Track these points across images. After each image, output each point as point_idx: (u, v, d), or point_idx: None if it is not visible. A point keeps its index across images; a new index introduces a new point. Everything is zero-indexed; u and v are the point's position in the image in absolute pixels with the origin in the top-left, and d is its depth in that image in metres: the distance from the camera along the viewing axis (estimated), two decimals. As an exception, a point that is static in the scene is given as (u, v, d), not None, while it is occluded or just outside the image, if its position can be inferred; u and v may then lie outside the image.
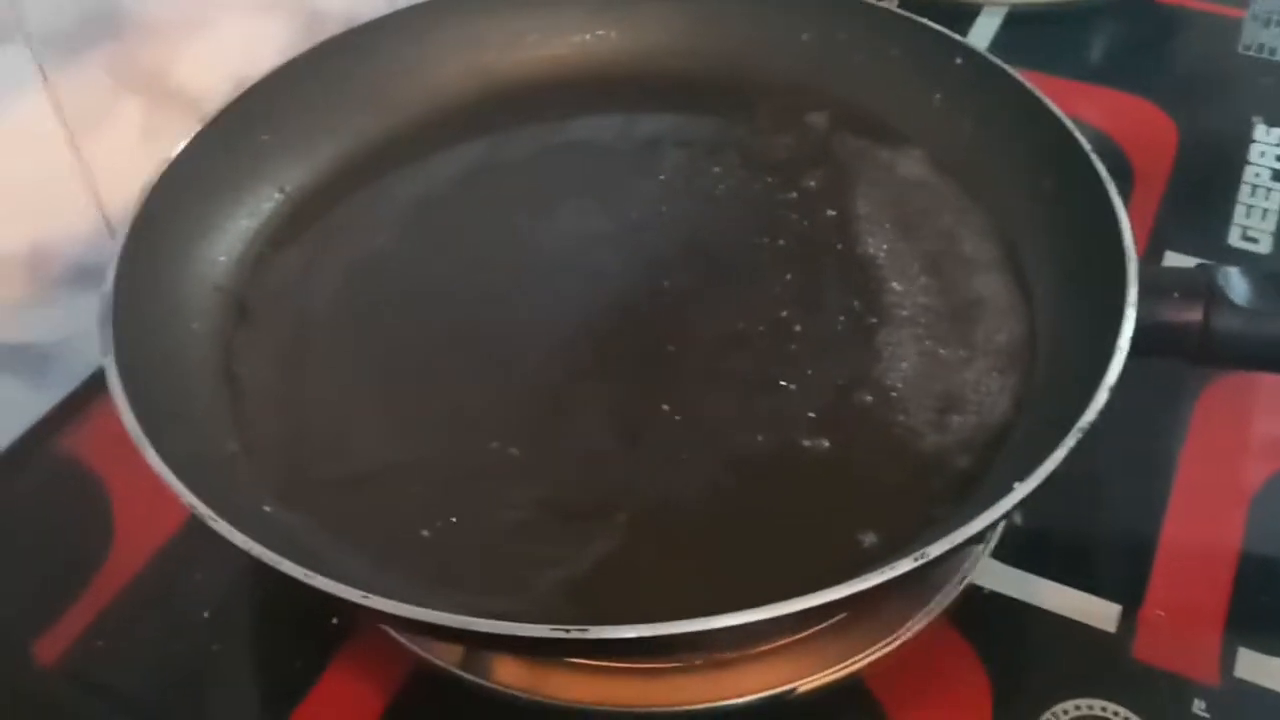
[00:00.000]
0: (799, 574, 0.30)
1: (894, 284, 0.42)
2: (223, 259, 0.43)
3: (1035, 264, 0.42)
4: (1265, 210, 0.52)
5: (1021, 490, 0.31)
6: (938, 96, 0.47)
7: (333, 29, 0.58)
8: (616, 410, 0.40)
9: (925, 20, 0.47)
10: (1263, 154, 0.55)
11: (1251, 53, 0.61)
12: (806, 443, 0.38)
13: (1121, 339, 0.35)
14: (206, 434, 0.38)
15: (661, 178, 0.48)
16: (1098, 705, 0.37)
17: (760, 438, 0.38)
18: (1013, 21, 0.63)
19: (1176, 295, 0.37)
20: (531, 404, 0.40)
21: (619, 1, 0.51)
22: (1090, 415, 0.33)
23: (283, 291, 0.43)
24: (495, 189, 0.48)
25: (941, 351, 0.40)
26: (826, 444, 0.38)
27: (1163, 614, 0.39)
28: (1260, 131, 0.56)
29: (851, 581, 0.29)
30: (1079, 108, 0.56)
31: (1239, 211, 0.52)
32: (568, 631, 0.29)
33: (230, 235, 0.44)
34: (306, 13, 0.58)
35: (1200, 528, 0.41)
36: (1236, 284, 0.37)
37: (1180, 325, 0.37)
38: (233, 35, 0.55)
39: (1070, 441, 0.32)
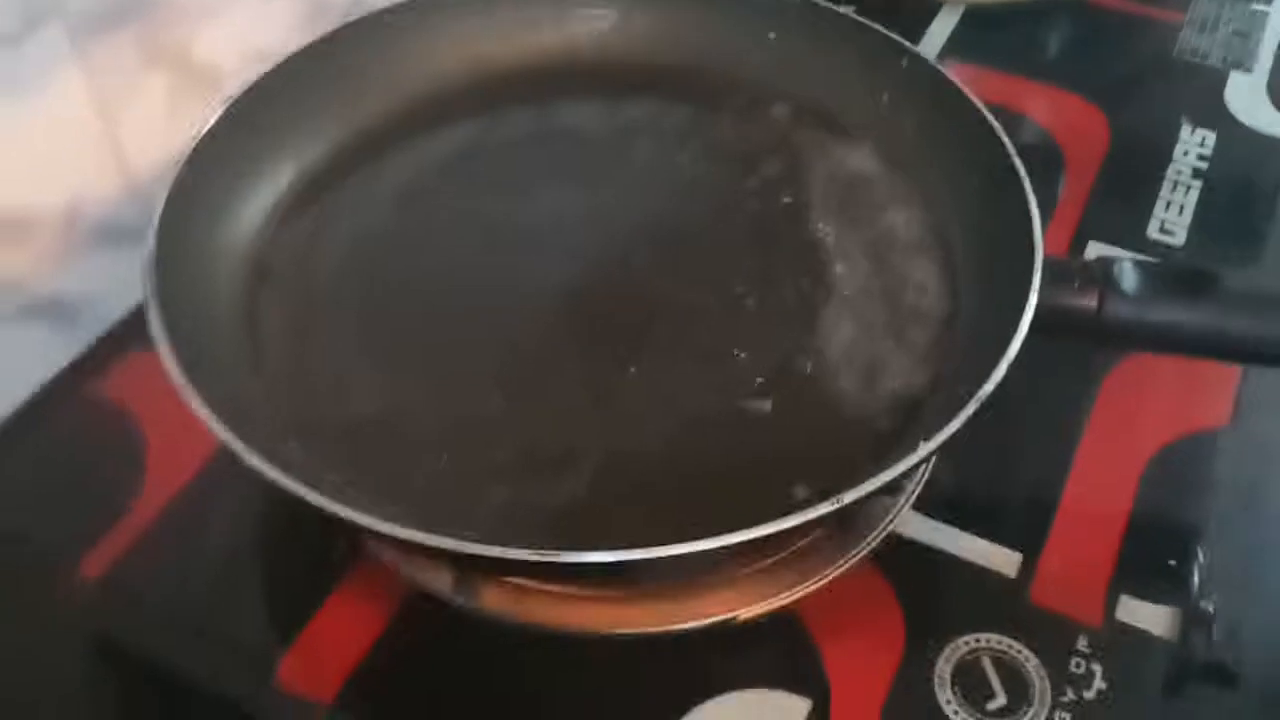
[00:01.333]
0: (738, 518, 0.35)
1: (838, 266, 0.47)
2: (245, 225, 0.48)
3: (962, 252, 0.47)
4: (1183, 206, 0.57)
5: (924, 449, 0.36)
6: (885, 95, 0.52)
7: (337, 11, 0.62)
8: (587, 371, 0.45)
9: (876, 25, 0.52)
10: (1186, 153, 0.60)
11: (1186, 57, 0.66)
12: (752, 405, 0.43)
13: (1023, 321, 0.40)
14: (232, 379, 0.42)
15: (636, 163, 0.53)
16: (995, 639, 0.42)
17: (712, 399, 0.43)
18: (968, 20, 0.67)
19: (1076, 284, 0.42)
20: (514, 363, 0.45)
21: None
22: (989, 386, 0.38)
23: (296, 257, 0.48)
24: (486, 169, 0.52)
25: (874, 327, 0.45)
26: (769, 407, 0.43)
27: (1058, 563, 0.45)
28: (1186, 132, 0.61)
29: (775, 521, 0.34)
30: (1022, 103, 0.62)
31: (1159, 206, 0.57)
32: (541, 554, 0.34)
33: (252, 205, 0.49)
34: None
35: (1097, 490, 0.47)
36: (1129, 276, 0.42)
37: (1077, 310, 0.42)
38: (247, 14, 0.60)
39: (969, 409, 0.37)
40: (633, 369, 0.45)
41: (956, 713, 0.40)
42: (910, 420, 0.42)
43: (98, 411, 0.50)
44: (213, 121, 0.48)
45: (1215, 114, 0.62)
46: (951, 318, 0.45)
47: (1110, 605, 0.43)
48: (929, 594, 0.44)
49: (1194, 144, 0.60)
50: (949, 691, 0.41)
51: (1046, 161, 0.59)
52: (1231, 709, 0.41)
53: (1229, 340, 0.42)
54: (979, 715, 0.40)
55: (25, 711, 0.42)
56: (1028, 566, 0.44)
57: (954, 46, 0.65)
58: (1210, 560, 0.44)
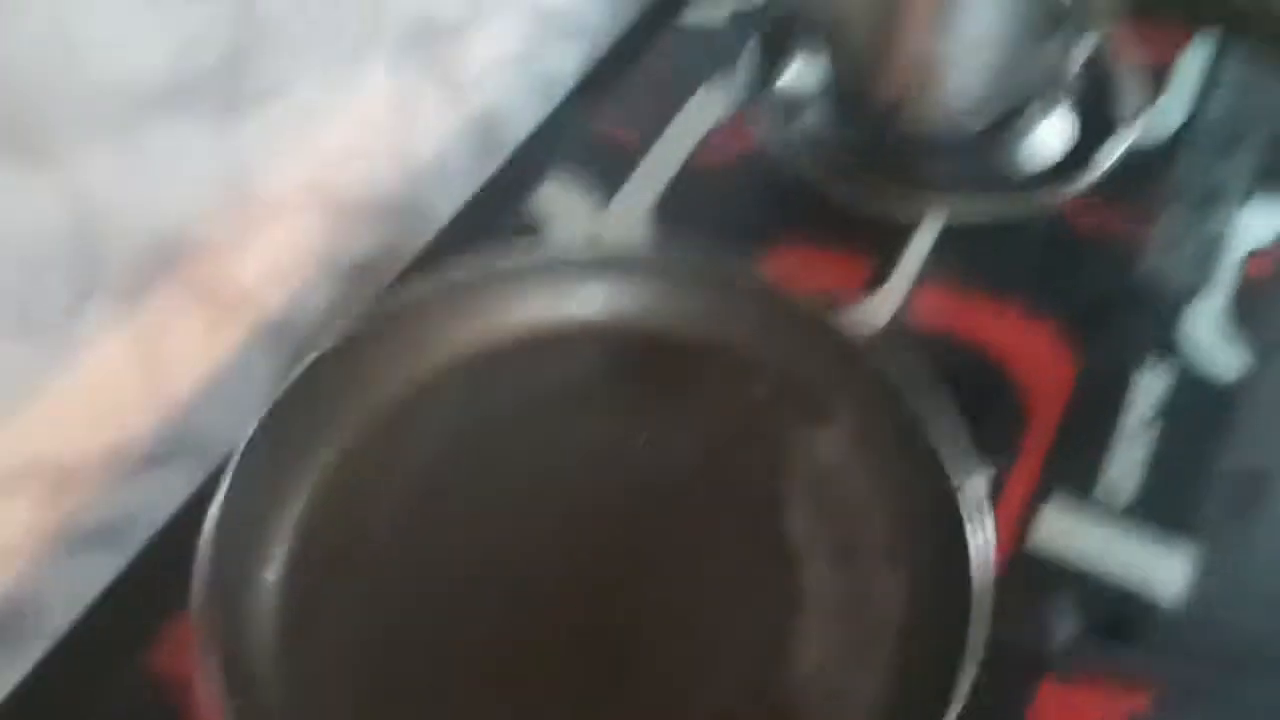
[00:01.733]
0: None
1: (806, 572, 0.52)
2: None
3: (921, 577, 0.52)
4: (1135, 462, 0.61)
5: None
6: (858, 388, 0.57)
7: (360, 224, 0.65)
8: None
9: (841, 330, 0.57)
10: (1144, 394, 0.63)
11: (1147, 280, 0.69)
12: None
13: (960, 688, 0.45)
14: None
15: (614, 449, 0.57)
16: None
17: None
18: (948, 235, 0.70)
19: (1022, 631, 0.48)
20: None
21: (600, 275, 0.61)
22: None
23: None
24: (472, 455, 0.57)
25: (833, 651, 0.50)
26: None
27: None
28: (1147, 368, 0.64)
29: None
30: (990, 333, 0.66)
31: (1114, 459, 0.61)
32: None
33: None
34: (337, 205, 0.67)
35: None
36: (1063, 624, 0.48)
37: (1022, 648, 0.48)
38: (278, 237, 0.64)
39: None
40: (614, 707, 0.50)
41: None
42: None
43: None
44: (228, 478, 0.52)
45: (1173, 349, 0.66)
46: (909, 642, 0.50)
47: None
48: None
49: (1152, 382, 0.64)
50: None
51: (1010, 406, 0.63)
52: None
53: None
54: None
55: None
56: None
57: (932, 259, 0.68)
58: None
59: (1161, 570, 0.57)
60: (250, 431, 0.53)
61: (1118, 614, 0.48)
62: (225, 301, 0.62)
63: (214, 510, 0.51)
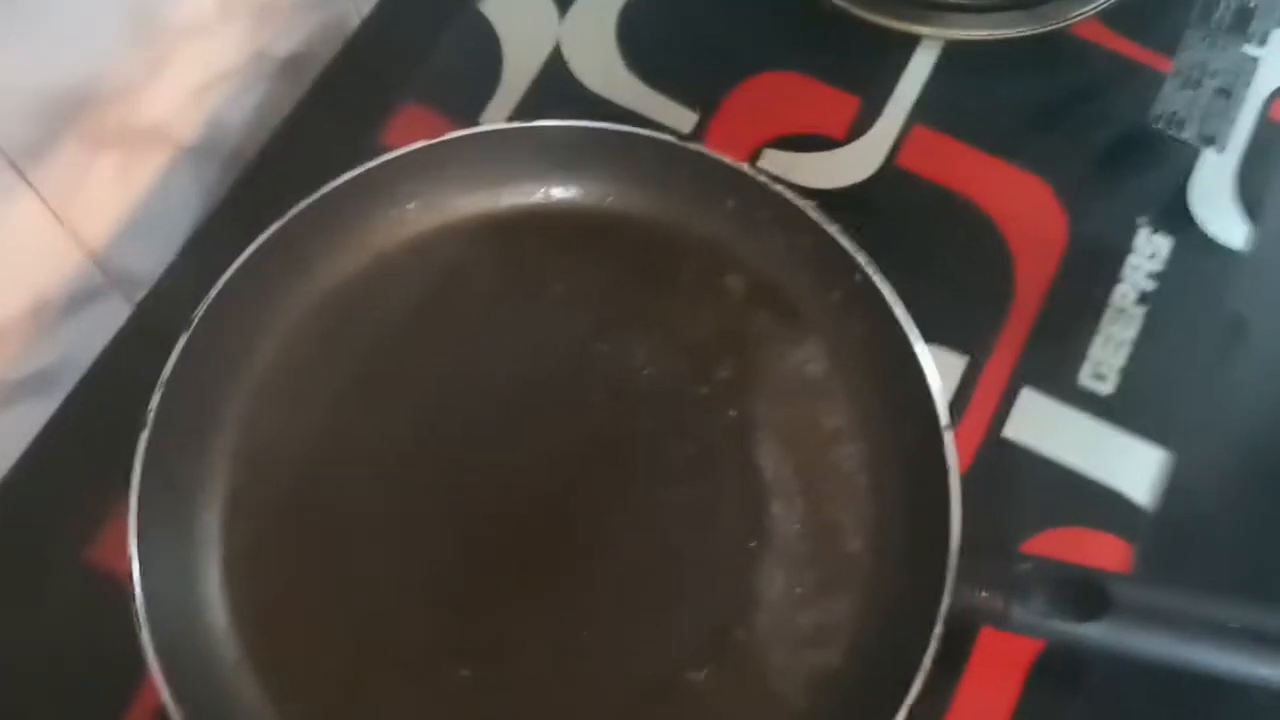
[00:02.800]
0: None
1: (774, 506, 0.51)
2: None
3: (892, 508, 0.50)
4: (1121, 342, 0.58)
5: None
6: (837, 294, 0.53)
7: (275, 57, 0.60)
8: (529, 632, 0.49)
9: (835, 231, 0.52)
10: (1136, 268, 0.60)
11: (1160, 125, 0.63)
12: (687, 675, 0.48)
13: (928, 652, 0.45)
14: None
15: (587, 353, 0.54)
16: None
17: (647, 668, 0.49)
18: (945, 67, 0.64)
19: (982, 593, 0.47)
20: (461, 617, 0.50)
21: (569, 161, 0.55)
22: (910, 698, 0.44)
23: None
24: (399, 377, 0.54)
25: (798, 591, 0.49)
26: (702, 677, 0.48)
27: None
28: (1142, 238, 0.60)
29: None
30: (982, 187, 0.61)
31: (1097, 342, 0.58)
32: None
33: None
34: (258, 6, 0.60)
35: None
36: (1030, 588, 0.47)
37: (986, 611, 0.47)
38: (192, 61, 0.58)
39: None
40: (585, 633, 0.49)
41: None
42: (828, 700, 0.48)
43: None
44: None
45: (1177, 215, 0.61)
46: (877, 584, 0.49)
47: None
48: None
49: (1145, 256, 0.60)
50: None
51: (997, 272, 0.59)
52: None
53: (1119, 653, 0.47)
54: None
55: None
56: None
57: (925, 100, 0.63)
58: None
59: (1136, 465, 0.56)
60: (192, 322, 0.50)
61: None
62: (137, 140, 0.57)
63: (154, 402, 0.49)
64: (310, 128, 0.63)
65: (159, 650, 0.45)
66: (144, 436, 0.48)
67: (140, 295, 0.60)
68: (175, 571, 0.48)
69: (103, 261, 0.58)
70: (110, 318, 0.59)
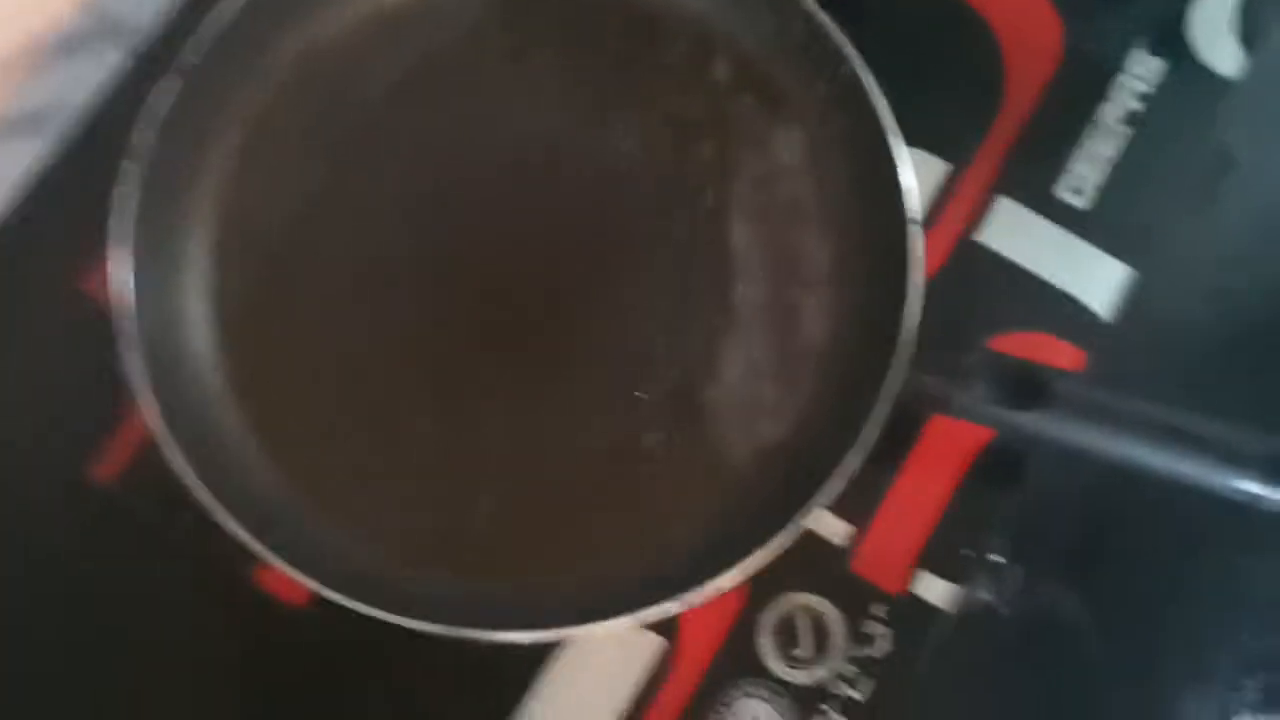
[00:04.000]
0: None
1: (740, 285, 0.52)
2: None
3: (856, 297, 0.52)
4: (1102, 159, 0.59)
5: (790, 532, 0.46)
6: (822, 86, 0.53)
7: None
8: (489, 394, 0.52)
9: (825, 19, 0.52)
10: (1125, 87, 0.60)
11: None
12: (646, 439, 0.51)
13: (873, 420, 0.47)
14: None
15: (566, 126, 0.54)
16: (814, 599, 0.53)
17: (610, 432, 0.51)
18: None
19: (929, 379, 0.49)
20: (427, 381, 0.52)
21: None
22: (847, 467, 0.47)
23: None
24: (388, 142, 0.54)
25: (757, 368, 0.51)
26: (662, 442, 0.51)
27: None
28: (1135, 58, 0.60)
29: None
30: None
31: (1078, 157, 0.59)
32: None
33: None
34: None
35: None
36: (976, 376, 0.49)
37: (933, 398, 0.49)
38: None
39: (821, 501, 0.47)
40: (546, 396, 0.51)
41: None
42: (773, 469, 0.50)
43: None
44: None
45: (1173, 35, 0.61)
46: (831, 364, 0.51)
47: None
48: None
49: (1137, 76, 0.60)
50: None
51: (987, 77, 0.60)
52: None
53: (1054, 443, 0.49)
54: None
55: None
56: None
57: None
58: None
59: (1101, 279, 0.57)
60: (184, 62, 0.51)
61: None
62: None
63: (145, 139, 0.50)
64: None
65: (148, 368, 0.47)
66: (134, 169, 0.49)
67: (134, 40, 0.60)
68: (163, 299, 0.50)
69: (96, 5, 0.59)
70: (102, 62, 0.59)
